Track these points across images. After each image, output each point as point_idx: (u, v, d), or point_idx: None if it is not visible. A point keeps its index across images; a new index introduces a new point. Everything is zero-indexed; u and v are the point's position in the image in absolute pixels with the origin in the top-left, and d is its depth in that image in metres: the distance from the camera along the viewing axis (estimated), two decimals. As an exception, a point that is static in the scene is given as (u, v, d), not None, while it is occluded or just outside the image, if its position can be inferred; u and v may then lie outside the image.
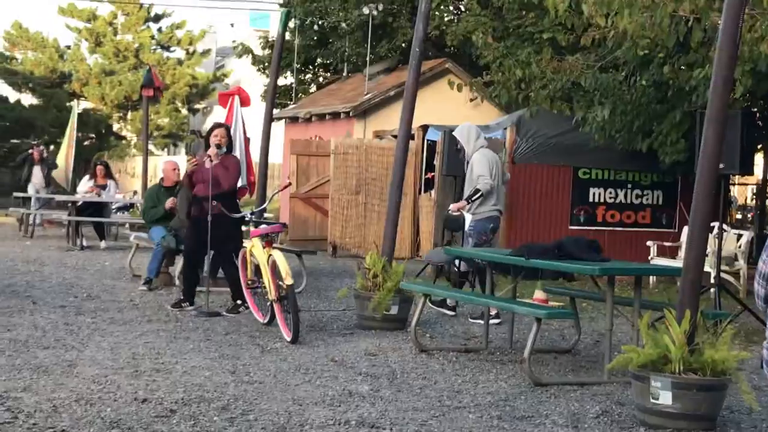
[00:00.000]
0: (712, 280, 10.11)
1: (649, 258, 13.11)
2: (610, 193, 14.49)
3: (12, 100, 37.13)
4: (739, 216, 22.86)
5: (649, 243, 13.47)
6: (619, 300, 7.82)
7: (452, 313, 9.74)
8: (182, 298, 9.39)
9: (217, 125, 9.47)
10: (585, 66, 12.40)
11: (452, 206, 9.89)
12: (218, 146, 9.17)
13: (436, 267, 11.28)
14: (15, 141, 36.23)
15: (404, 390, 6.29)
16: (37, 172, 19.22)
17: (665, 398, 5.47)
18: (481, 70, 14.65)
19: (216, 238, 8.97)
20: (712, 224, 11.48)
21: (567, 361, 7.69)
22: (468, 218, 9.66)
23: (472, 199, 9.49)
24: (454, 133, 10.02)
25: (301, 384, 6.30)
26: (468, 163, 9.76)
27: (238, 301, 9.15)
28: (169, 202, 11.08)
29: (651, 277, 13.19)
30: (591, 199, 14.39)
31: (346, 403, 5.84)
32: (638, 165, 14.24)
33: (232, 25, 52.91)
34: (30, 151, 19.75)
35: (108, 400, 5.60)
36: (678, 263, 9.99)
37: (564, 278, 13.03)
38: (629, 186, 14.58)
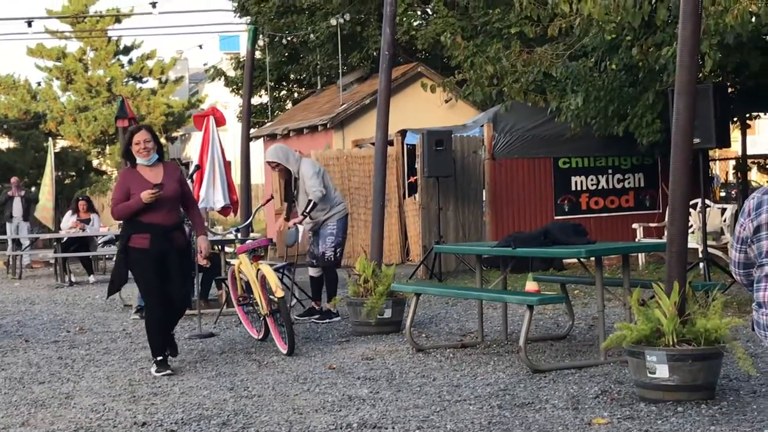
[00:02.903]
0: (700, 255, 10.16)
1: (636, 240, 13.17)
2: (592, 180, 14.58)
3: (-12, 145, 37.05)
4: (723, 193, 22.99)
5: (634, 225, 13.54)
6: (609, 281, 7.87)
7: (337, 318, 9.60)
8: (158, 358, 7.27)
9: (135, 129, 7.35)
10: (555, 56, 12.49)
11: (290, 222, 9.68)
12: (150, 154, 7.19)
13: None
14: (-5, 185, 36.16)
15: (404, 389, 6.29)
16: (17, 204, 19.24)
17: (662, 371, 5.48)
18: (453, 71, 14.71)
19: (185, 272, 7.47)
20: (695, 201, 11.60)
21: (563, 347, 7.71)
22: (301, 229, 9.65)
23: (307, 211, 9.46)
24: (268, 159, 9.80)
25: (300, 393, 6.30)
26: (296, 178, 9.64)
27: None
28: None
29: (640, 260, 13.24)
30: (574, 188, 14.48)
31: (347, 407, 5.84)
32: (617, 150, 14.35)
33: (200, 46, 53.18)
34: (8, 185, 19.82)
35: (107, 427, 5.58)
36: (664, 241, 10.05)
37: (554, 268, 13.08)
38: (610, 171, 14.68)
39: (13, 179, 20.14)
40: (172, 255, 7.15)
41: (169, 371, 7.11)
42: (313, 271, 9.83)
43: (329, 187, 9.68)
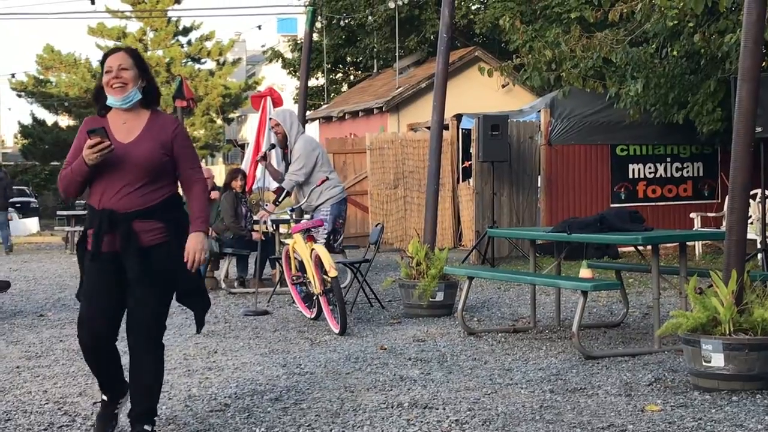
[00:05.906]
0: (759, 246, 10.02)
1: (693, 229, 13.01)
2: (650, 168, 14.42)
3: (49, 122, 37.69)
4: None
5: (692, 215, 13.39)
6: (665, 269, 7.78)
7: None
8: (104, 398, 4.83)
9: (108, 52, 4.54)
10: (615, 41, 12.36)
11: (260, 214, 9.12)
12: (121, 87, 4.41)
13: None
14: (55, 163, 36.79)
15: (455, 371, 6.30)
16: None
17: (717, 360, 5.43)
18: (510, 56, 14.64)
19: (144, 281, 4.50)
20: (755, 191, 11.42)
21: (617, 335, 7.66)
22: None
23: (279, 201, 8.91)
24: (272, 115, 9.17)
25: (352, 372, 6.33)
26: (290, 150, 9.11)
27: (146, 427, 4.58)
28: None
29: (697, 250, 13.09)
30: (631, 176, 14.34)
31: (398, 387, 5.86)
32: (676, 138, 14.17)
33: (259, 27, 53.33)
34: None
35: (163, 399, 5.64)
36: (723, 230, 9.93)
37: (609, 256, 12.98)
38: (668, 160, 14.50)
39: None
40: (130, 261, 4.46)
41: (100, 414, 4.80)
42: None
43: (317, 168, 9.03)
